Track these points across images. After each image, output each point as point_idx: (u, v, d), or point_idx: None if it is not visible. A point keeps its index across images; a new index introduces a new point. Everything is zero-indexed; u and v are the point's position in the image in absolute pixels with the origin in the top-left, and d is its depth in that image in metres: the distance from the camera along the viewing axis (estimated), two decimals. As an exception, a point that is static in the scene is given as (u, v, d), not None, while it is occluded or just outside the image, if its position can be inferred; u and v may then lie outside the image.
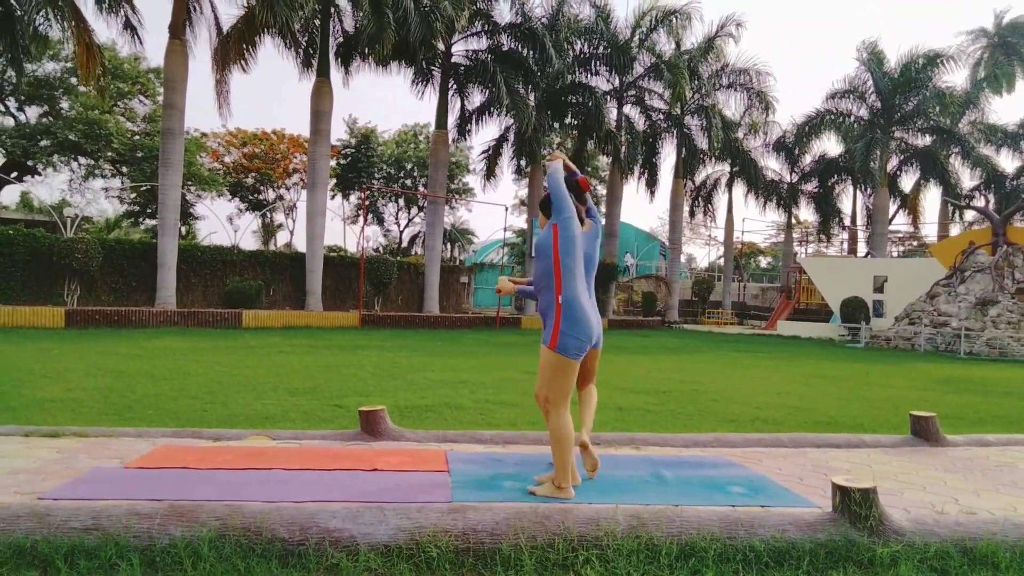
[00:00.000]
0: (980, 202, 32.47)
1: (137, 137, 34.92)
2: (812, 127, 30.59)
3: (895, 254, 39.92)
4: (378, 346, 13.84)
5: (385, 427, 4.83)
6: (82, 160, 36.00)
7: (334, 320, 18.94)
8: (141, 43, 18.12)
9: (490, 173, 27.26)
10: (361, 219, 30.52)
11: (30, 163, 33.97)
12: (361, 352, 12.62)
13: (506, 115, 24.52)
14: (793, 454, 4.90)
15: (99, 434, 4.64)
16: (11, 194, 36.29)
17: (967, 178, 32.55)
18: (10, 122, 34.04)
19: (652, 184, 30.71)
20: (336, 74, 22.19)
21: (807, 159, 34.07)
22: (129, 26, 17.60)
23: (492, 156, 27.15)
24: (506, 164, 27.99)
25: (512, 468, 4.20)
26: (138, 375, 8.58)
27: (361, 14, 19.28)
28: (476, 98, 25.25)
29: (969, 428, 6.67)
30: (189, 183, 36.61)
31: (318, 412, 6.55)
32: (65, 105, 32.56)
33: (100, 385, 7.69)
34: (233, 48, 18.36)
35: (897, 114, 29.23)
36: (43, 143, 33.30)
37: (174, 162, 17.69)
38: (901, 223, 37.58)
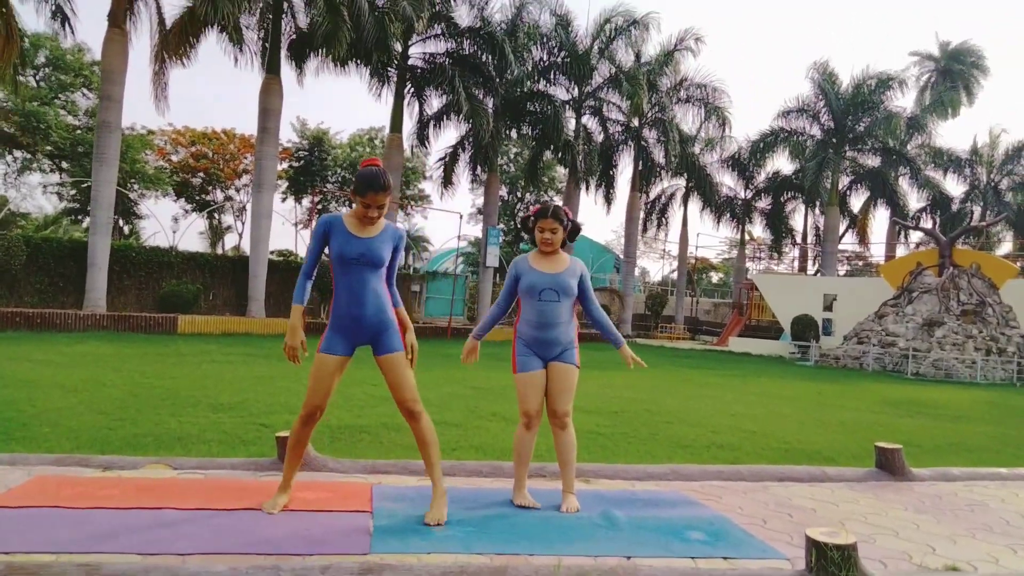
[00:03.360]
0: (927, 223, 33.19)
1: (79, 131, 33.40)
2: (766, 144, 30.89)
3: (842, 272, 40.61)
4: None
5: (306, 455, 4.28)
6: (17, 153, 34.36)
7: (277, 327, 18.15)
8: (73, 32, 17.13)
9: (447, 180, 26.74)
10: (310, 221, 29.65)
11: (-40, 156, 32.31)
12: (303, 364, 11.93)
13: (464, 121, 24.07)
14: (753, 489, 4.51)
15: (-35, 461, 4.00)
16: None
17: (914, 200, 33.28)
18: (-62, 112, 32.25)
19: (609, 196, 30.58)
20: (290, 73, 21.51)
21: (761, 176, 34.42)
22: (60, 14, 16.58)
23: (449, 163, 26.63)
24: (463, 172, 27.53)
25: (463, 510, 3.70)
26: (47, 386, 7.83)
27: (315, 11, 18.62)
28: (434, 103, 24.76)
29: (930, 458, 6.41)
30: (133, 181, 35.22)
31: (239, 432, 5.95)
32: (1, 95, 30.95)
33: (-2, 397, 6.94)
34: (174, 41, 17.50)
35: (849, 134, 29.70)
36: (-26, 135, 31.67)
37: (109, 157, 16.74)
38: (850, 242, 38.24)
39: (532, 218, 3.95)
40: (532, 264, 3.92)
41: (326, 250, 3.58)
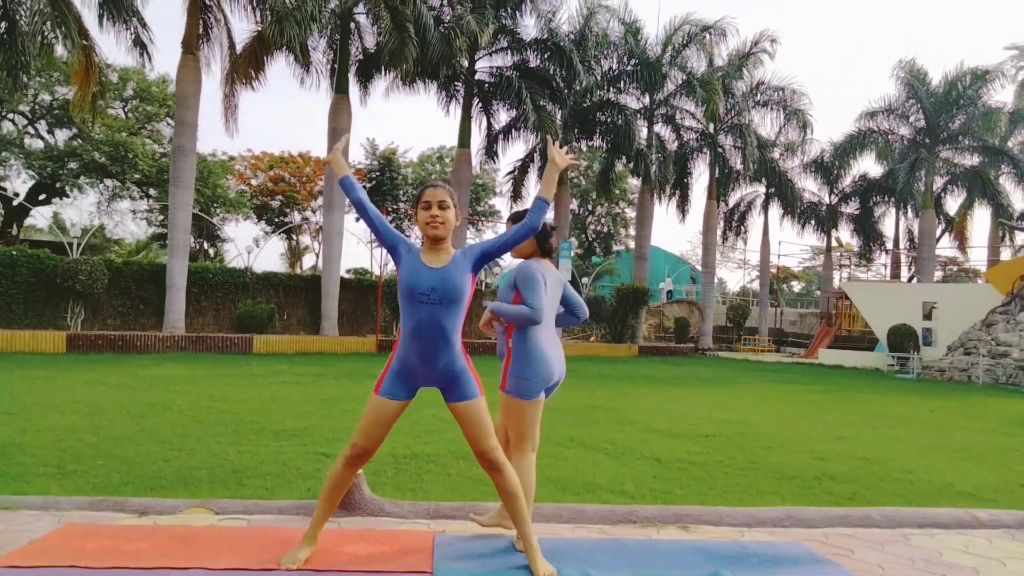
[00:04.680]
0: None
1: (164, 159, 34.65)
2: (852, 146, 29.23)
3: (938, 279, 38.15)
4: (390, 376, 12.82)
5: (360, 497, 3.78)
6: (108, 182, 35.92)
7: (349, 346, 18.01)
8: (150, 60, 17.53)
9: (516, 194, 26.32)
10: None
11: (58, 185, 33.90)
12: (369, 383, 11.47)
13: (533, 134, 23.63)
14: (891, 539, 3.74)
15: (-5, 505, 3.66)
16: (43, 217, 36.24)
17: (1019, 200, 30.93)
18: (39, 144, 33.97)
19: (683, 205, 29.54)
20: (358, 93, 21.58)
21: (847, 180, 32.65)
22: (139, 43, 16.99)
23: (518, 176, 26.21)
24: (532, 185, 27.05)
25: (520, 560, 3.11)
26: (114, 411, 7.66)
27: (381, 30, 18.56)
28: (502, 116, 24.43)
29: (1091, 493, 5.42)
30: (215, 206, 36.31)
31: (298, 463, 5.52)
32: (95, 128, 32.42)
33: (62, 424, 6.76)
34: (243, 65, 17.71)
35: (943, 133, 27.80)
36: (70, 165, 33.24)
37: (185, 181, 17.01)
38: (946, 246, 35.87)
39: (551, 231, 3.62)
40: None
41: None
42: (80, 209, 62.58)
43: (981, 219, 56.39)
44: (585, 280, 37.53)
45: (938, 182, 30.02)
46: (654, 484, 5.19)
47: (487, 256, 3.11)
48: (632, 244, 35.72)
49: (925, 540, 3.76)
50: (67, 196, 35.82)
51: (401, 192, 40.30)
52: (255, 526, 3.59)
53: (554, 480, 5.18)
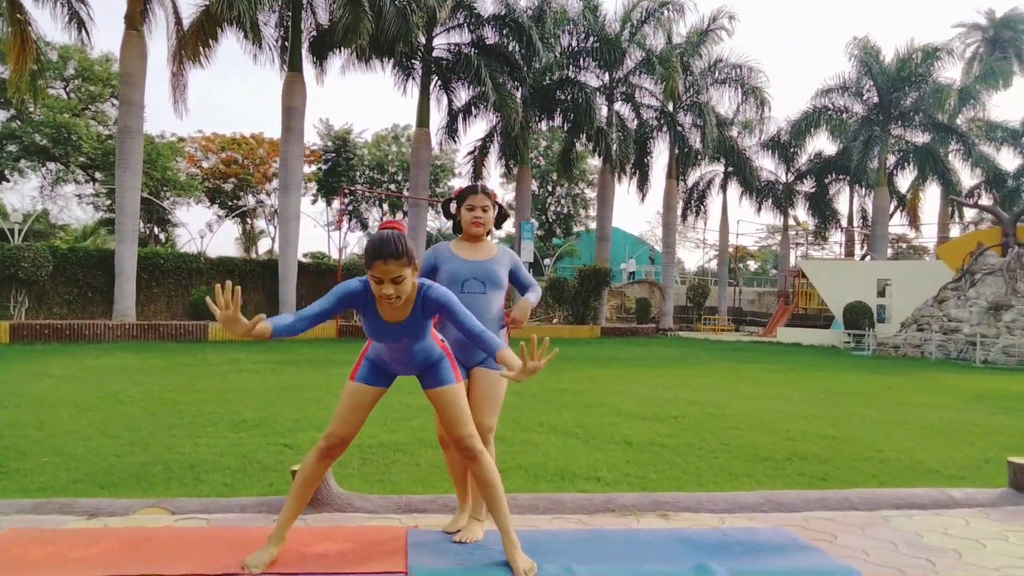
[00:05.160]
0: (985, 201, 31.57)
1: (109, 141, 33.39)
2: (807, 124, 29.55)
3: (888, 256, 39.05)
4: (351, 361, 12.55)
5: (327, 492, 3.59)
6: (51, 165, 34.51)
7: (309, 332, 17.62)
8: (89, 37, 16.73)
9: (477, 175, 26.03)
10: (339, 222, 29.19)
11: (-2, 170, 32.48)
12: (332, 369, 11.36)
13: (493, 113, 23.34)
14: (871, 521, 3.70)
15: (-74, 513, 3.37)
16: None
17: (967, 177, 31.71)
18: (-27, 127, 32.42)
19: (643, 185, 29.60)
20: (312, 71, 21.00)
21: (803, 158, 33.08)
22: (76, 18, 16.17)
23: (479, 157, 25.92)
24: (493, 166, 26.82)
25: (500, 556, 2.97)
26: (61, 404, 7.30)
27: (335, 4, 18.02)
28: (462, 95, 24.07)
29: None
30: (165, 189, 35.20)
31: (259, 456, 5.29)
32: (35, 109, 31.02)
33: (4, 419, 6.40)
34: (191, 41, 17.01)
35: (895, 110, 28.30)
36: (9, 148, 31.82)
37: (132, 163, 16.35)
38: (898, 223, 36.67)
39: (457, 198, 3.37)
40: (454, 251, 3.32)
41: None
42: (22, 194, 60.34)
43: (931, 196, 57.74)
44: (547, 261, 37.48)
45: (891, 160, 30.60)
46: (628, 469, 5.10)
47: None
48: (593, 225, 35.77)
49: (904, 522, 3.72)
50: (7, 180, 34.35)
51: (357, 173, 39.59)
52: (215, 526, 3.37)
53: (526, 468, 5.05)
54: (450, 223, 3.43)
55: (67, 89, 34.10)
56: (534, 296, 3.41)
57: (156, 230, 37.26)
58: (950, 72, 55.35)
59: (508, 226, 41.46)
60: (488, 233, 3.38)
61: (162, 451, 5.40)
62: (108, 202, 36.23)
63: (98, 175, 34.96)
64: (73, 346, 13.97)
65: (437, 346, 2.97)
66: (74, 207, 54.73)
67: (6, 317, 15.17)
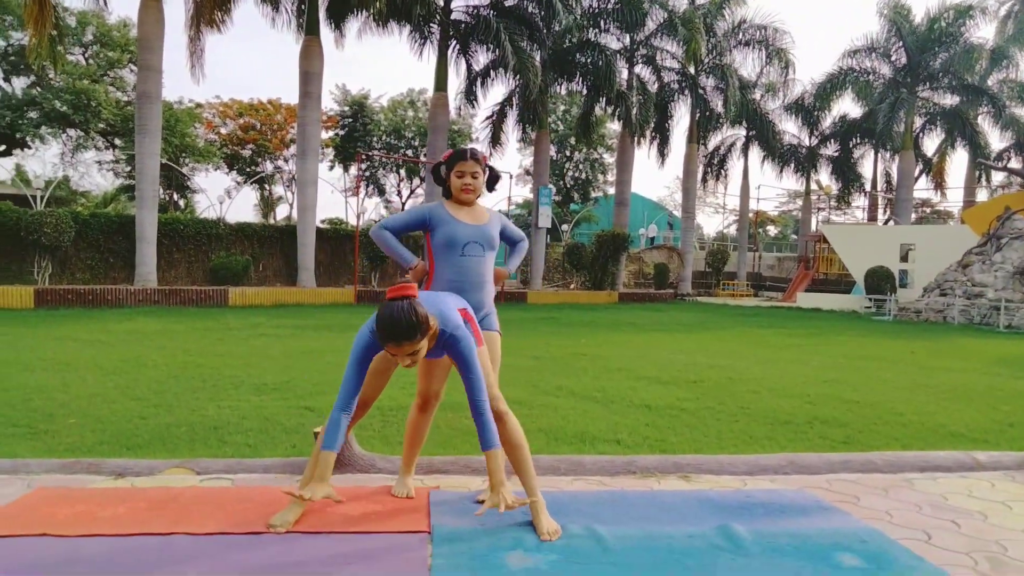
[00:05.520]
0: (1015, 164, 30.86)
1: (128, 108, 33.41)
2: (833, 86, 28.93)
3: (912, 221, 38.44)
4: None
5: (349, 453, 3.62)
6: (71, 132, 34.67)
7: (327, 297, 17.73)
8: (106, 3, 16.67)
9: (495, 140, 25.78)
10: (356, 188, 29.14)
11: (19, 136, 32.65)
12: (351, 334, 11.30)
13: (512, 76, 23.03)
14: (895, 484, 3.67)
15: (-42, 471, 3.43)
16: (5, 169, 35.02)
17: (996, 140, 30.97)
18: (-4, 93, 32.53)
19: (663, 149, 29.22)
20: (330, 35, 20.79)
21: (827, 121, 32.45)
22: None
23: (497, 121, 25.65)
24: (511, 130, 26.53)
25: (522, 517, 2.99)
26: (85, 367, 7.40)
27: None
28: (481, 59, 23.75)
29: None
30: (184, 156, 35.28)
31: (281, 418, 5.34)
32: (55, 75, 31.08)
33: (31, 383, 6.50)
34: (208, 5, 16.88)
35: (923, 72, 27.60)
36: (30, 114, 31.96)
37: (151, 128, 16.35)
38: (923, 187, 36.01)
39: (446, 163, 3.34)
40: (452, 213, 3.29)
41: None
42: (43, 160, 60.82)
43: (959, 160, 56.60)
44: (564, 227, 37.29)
45: (917, 122, 29.95)
46: (648, 432, 5.09)
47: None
48: (611, 191, 35.45)
49: (928, 484, 3.69)
50: (28, 147, 34.60)
51: (374, 139, 39.41)
52: (240, 486, 3.42)
53: (546, 431, 5.06)
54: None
55: (86, 55, 34.10)
56: (517, 260, 3.55)
57: (176, 196, 37.46)
58: (983, 31, 53.81)
59: (526, 192, 41.25)
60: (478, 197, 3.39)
61: (186, 413, 5.47)
62: (128, 168, 36.41)
63: (118, 141, 35.10)
64: (96, 311, 14.15)
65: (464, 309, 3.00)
66: (94, 173, 54.95)
67: (30, 282, 15.37)
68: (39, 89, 31.58)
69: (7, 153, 34.26)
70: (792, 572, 2.52)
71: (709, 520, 3.00)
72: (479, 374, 2.71)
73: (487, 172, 3.35)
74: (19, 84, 32.71)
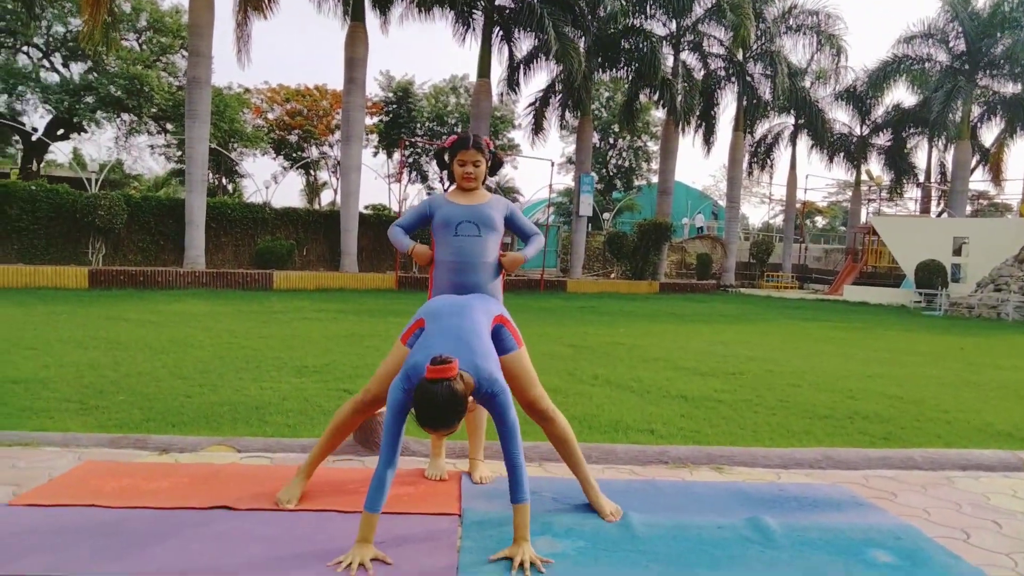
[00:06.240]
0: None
1: (180, 93, 34.14)
2: (886, 74, 28.09)
3: (967, 213, 37.21)
4: (411, 311, 12.73)
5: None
6: (125, 116, 35.58)
7: (369, 282, 17.96)
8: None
9: (538, 127, 25.68)
10: (399, 174, 29.38)
11: (76, 120, 33.65)
12: (391, 319, 11.56)
13: (555, 63, 22.89)
14: (935, 481, 3.60)
15: (13, 441, 3.60)
16: (63, 152, 36.14)
17: (1059, 130, 29.69)
18: (54, 78, 33.49)
19: (709, 137, 28.74)
20: (375, 22, 20.95)
21: (879, 110, 31.54)
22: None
23: (539, 108, 25.53)
24: (554, 117, 26.38)
25: (551, 504, 3.02)
26: (135, 347, 7.65)
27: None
28: (523, 46, 23.66)
29: None
30: (233, 140, 35.96)
31: (320, 400, 5.46)
32: (109, 60, 31.90)
33: (84, 360, 6.74)
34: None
35: (983, 59, 26.61)
36: (87, 99, 32.88)
37: (201, 113, 16.72)
38: (979, 179, 34.80)
39: (448, 150, 3.32)
40: (449, 199, 3.31)
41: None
42: (99, 144, 62.59)
43: (1018, 151, 54.50)
44: (606, 215, 37.03)
45: (975, 112, 28.92)
46: (683, 423, 5.07)
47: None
48: (654, 179, 35.06)
49: (970, 483, 3.61)
50: (85, 131, 35.60)
51: (418, 125, 39.61)
52: (278, 465, 3.51)
53: (580, 418, 5.07)
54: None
55: (139, 41, 34.89)
56: (532, 249, 3.40)
57: (224, 181, 38.23)
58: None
59: (568, 180, 41.07)
60: (483, 184, 3.38)
61: (229, 393, 5.62)
62: (179, 153, 37.26)
63: (169, 126, 35.91)
64: (147, 292, 14.58)
65: (500, 309, 3.04)
66: (147, 157, 56.41)
67: (85, 263, 15.90)
68: (95, 74, 32.45)
69: (65, 137, 35.33)
70: (822, 566, 2.50)
71: (740, 512, 2.99)
72: (514, 426, 2.57)
73: (490, 158, 3.35)
74: (77, 69, 33.66)
